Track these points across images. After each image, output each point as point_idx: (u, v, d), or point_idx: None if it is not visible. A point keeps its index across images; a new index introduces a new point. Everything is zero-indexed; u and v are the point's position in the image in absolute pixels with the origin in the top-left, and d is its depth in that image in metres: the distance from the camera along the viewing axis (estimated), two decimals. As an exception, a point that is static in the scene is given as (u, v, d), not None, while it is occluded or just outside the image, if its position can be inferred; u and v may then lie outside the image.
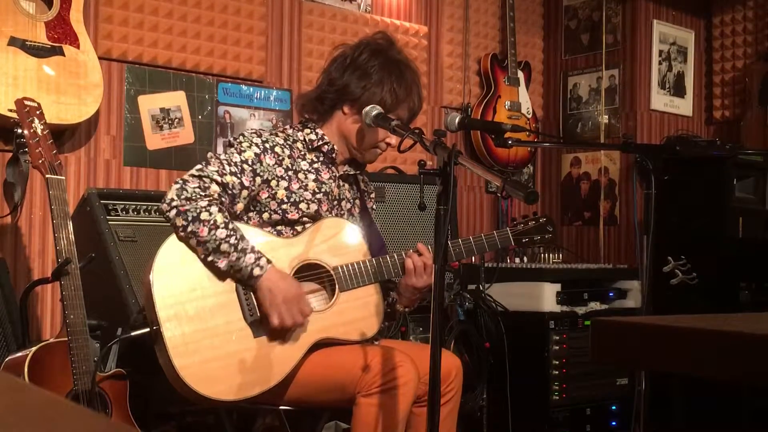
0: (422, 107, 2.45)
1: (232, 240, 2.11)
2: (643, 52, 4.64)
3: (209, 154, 2.25)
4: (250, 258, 2.12)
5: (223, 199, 2.17)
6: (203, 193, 2.13)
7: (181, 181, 2.15)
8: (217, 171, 2.18)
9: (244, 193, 2.22)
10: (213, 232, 2.10)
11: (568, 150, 4.89)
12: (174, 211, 2.11)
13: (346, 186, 2.44)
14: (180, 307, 2.10)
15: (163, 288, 2.10)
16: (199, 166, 2.20)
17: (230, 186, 2.18)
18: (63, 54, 3.05)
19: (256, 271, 2.12)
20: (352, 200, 2.45)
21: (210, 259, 2.12)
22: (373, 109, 2.24)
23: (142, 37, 3.42)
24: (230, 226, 2.13)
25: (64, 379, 2.29)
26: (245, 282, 2.15)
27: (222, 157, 2.22)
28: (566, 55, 4.91)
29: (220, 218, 2.11)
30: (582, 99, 4.82)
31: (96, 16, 3.34)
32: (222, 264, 2.11)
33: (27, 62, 2.96)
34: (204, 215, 2.10)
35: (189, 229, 2.10)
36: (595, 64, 4.77)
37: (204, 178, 2.16)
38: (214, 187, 2.16)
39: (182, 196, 2.11)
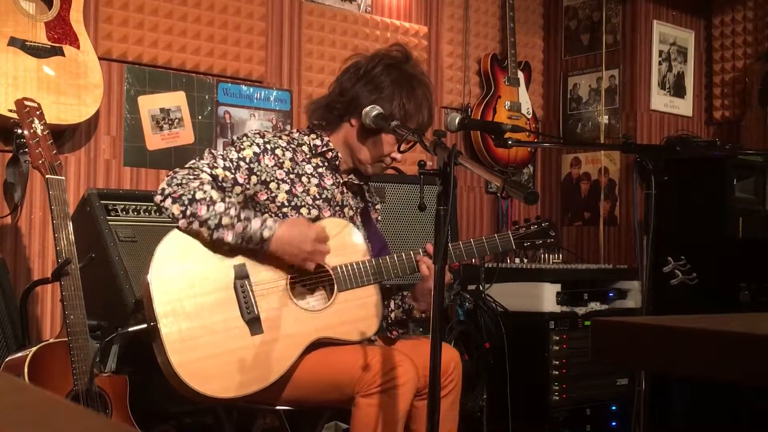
0: (432, 122, 2.43)
1: (232, 211, 2.11)
2: (643, 52, 4.64)
3: (205, 151, 2.25)
4: (256, 223, 2.12)
5: (213, 185, 2.17)
6: (194, 177, 2.14)
7: (171, 173, 2.16)
8: (208, 164, 2.18)
9: (237, 189, 2.22)
10: (211, 207, 2.09)
11: (568, 150, 4.89)
12: (169, 200, 2.10)
13: (350, 194, 2.44)
14: (178, 303, 2.10)
15: (161, 285, 2.10)
16: (192, 161, 2.21)
17: (220, 179, 2.18)
18: (63, 54, 3.05)
19: (266, 233, 2.12)
20: (355, 208, 2.44)
21: (215, 236, 2.10)
22: (373, 110, 2.23)
23: (142, 37, 3.42)
24: (227, 199, 2.13)
25: (64, 380, 2.29)
26: (258, 248, 2.14)
27: (217, 153, 2.22)
28: (566, 55, 4.91)
29: (215, 194, 2.12)
30: (582, 99, 4.82)
31: (96, 16, 3.34)
32: (229, 237, 2.10)
33: (27, 62, 2.96)
34: (199, 194, 2.10)
35: (188, 212, 2.09)
36: (595, 64, 4.77)
37: (195, 169, 2.17)
38: (205, 176, 2.16)
39: (173, 183, 2.12)
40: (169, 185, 2.12)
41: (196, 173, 2.15)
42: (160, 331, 2.07)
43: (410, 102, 2.31)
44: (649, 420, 3.66)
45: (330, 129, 2.39)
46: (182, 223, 2.11)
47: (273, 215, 2.26)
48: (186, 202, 2.09)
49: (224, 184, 2.19)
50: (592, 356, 1.14)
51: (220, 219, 2.10)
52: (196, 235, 2.13)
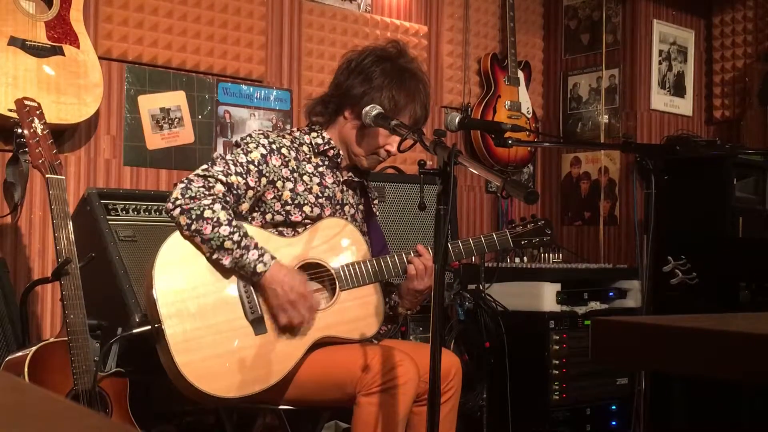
0: (427, 119, 2.42)
1: (235, 237, 2.12)
2: (643, 51, 4.64)
3: (215, 155, 2.26)
4: (253, 254, 2.13)
5: (227, 198, 2.17)
6: (207, 192, 2.14)
7: (186, 181, 2.16)
8: (222, 171, 2.18)
9: (250, 193, 2.23)
10: (216, 229, 2.10)
11: (568, 150, 4.89)
12: (178, 210, 2.12)
13: (350, 192, 2.44)
14: (181, 304, 2.11)
15: (164, 285, 2.11)
16: (204, 166, 2.20)
17: (235, 186, 2.19)
18: (63, 54, 3.05)
19: (260, 268, 2.13)
20: (355, 206, 2.45)
21: (215, 256, 2.13)
22: (373, 109, 2.23)
23: (142, 36, 3.42)
24: (234, 223, 2.14)
25: (64, 379, 2.29)
26: (249, 279, 2.16)
27: (228, 157, 2.22)
28: (566, 54, 4.91)
29: (223, 216, 2.12)
30: (582, 99, 4.82)
31: (96, 15, 3.33)
32: (226, 261, 2.12)
33: (27, 62, 2.96)
34: (207, 213, 2.11)
35: (193, 227, 2.11)
36: (595, 63, 4.77)
37: (209, 178, 2.17)
38: (219, 187, 2.16)
39: (186, 195, 2.12)
40: (182, 196, 2.12)
41: (210, 184, 2.16)
42: (164, 332, 2.08)
43: (400, 93, 2.31)
44: (649, 420, 3.66)
45: (328, 124, 2.40)
46: (186, 234, 2.14)
47: (277, 213, 2.27)
48: (194, 217, 2.11)
49: (238, 191, 2.20)
50: (592, 356, 1.14)
51: (222, 242, 2.11)
52: (196, 247, 2.15)
